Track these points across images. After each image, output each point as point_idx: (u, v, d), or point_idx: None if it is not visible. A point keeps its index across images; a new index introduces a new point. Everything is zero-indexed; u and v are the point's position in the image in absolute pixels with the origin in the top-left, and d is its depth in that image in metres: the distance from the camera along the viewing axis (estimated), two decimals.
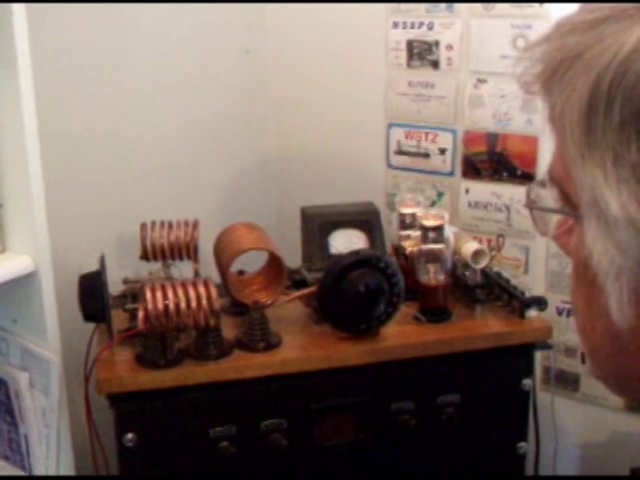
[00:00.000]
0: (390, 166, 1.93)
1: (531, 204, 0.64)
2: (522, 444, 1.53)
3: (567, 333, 1.75)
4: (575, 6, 0.57)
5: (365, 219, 1.67)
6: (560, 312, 1.75)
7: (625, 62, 0.49)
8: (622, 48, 0.50)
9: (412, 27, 1.83)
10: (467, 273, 1.57)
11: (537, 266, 1.78)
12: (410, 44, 1.84)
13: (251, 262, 1.57)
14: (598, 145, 0.51)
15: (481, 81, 1.77)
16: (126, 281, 1.51)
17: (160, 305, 1.30)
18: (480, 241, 1.69)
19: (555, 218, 0.62)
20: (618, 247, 0.52)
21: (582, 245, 0.55)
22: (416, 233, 1.51)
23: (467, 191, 1.83)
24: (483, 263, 1.53)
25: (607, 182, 0.51)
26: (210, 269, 1.56)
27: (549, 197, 0.60)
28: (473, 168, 1.82)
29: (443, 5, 1.78)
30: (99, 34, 1.70)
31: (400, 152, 1.91)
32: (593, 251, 0.54)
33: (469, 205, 1.84)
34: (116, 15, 1.71)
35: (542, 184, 0.61)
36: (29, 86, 1.25)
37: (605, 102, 0.50)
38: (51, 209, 1.33)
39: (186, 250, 1.55)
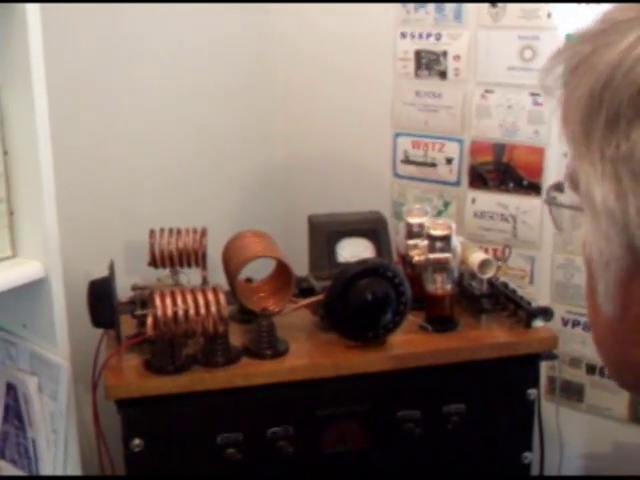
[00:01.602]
0: (397, 175, 1.94)
1: (550, 200, 0.67)
2: (527, 454, 1.53)
3: (572, 344, 1.75)
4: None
5: (372, 228, 1.68)
6: (565, 323, 1.75)
7: (614, 67, 0.54)
8: (613, 55, 0.54)
9: (420, 37, 1.84)
10: (473, 283, 1.57)
11: (542, 277, 1.78)
12: (418, 54, 1.85)
13: (259, 270, 1.58)
14: (591, 143, 0.55)
15: (488, 92, 1.78)
16: (135, 287, 1.51)
17: (169, 311, 1.31)
18: (486, 251, 1.70)
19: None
20: (604, 237, 0.55)
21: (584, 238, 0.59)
22: (423, 242, 1.52)
23: (473, 201, 1.84)
24: (490, 273, 1.54)
25: (595, 178, 0.55)
26: (218, 276, 1.57)
27: (568, 194, 0.63)
28: (480, 178, 1.83)
29: (451, 15, 1.79)
30: (110, 42, 1.71)
31: (407, 161, 1.92)
32: (587, 242, 0.58)
33: (475, 215, 1.85)
34: (125, 25, 1.72)
35: (563, 184, 0.64)
36: (42, 94, 1.26)
37: (597, 104, 0.54)
38: (61, 215, 1.34)
39: (194, 257, 1.56)
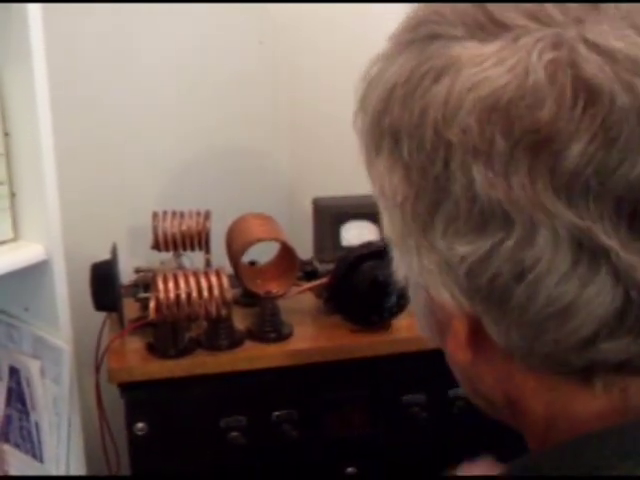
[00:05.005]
0: None
1: None
2: None
3: None
4: None
5: (377, 211, 1.65)
6: None
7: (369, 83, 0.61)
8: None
9: None
10: None
11: None
12: None
13: (263, 253, 1.57)
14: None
15: None
16: (138, 270, 1.50)
17: (172, 295, 1.30)
18: None
19: None
20: None
21: None
22: None
23: None
24: None
25: None
26: (222, 260, 1.56)
27: None
28: None
29: None
30: (112, 25, 1.70)
31: None
32: None
33: None
34: (128, 12, 1.71)
35: None
36: (43, 75, 1.25)
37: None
38: (64, 198, 1.33)
39: (198, 240, 1.55)
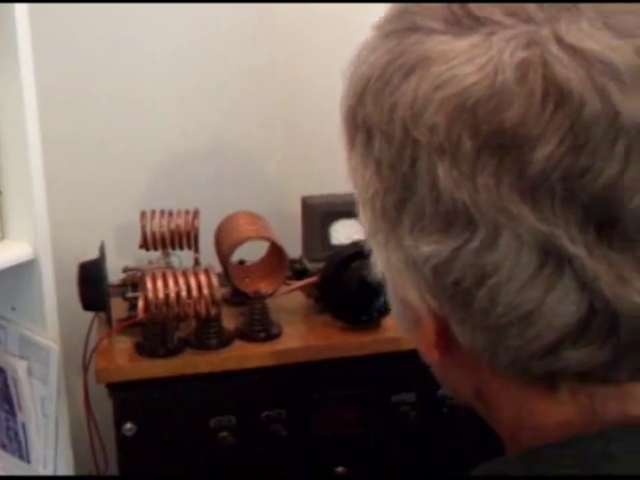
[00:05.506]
0: None
1: None
2: None
3: None
4: None
5: None
6: None
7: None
8: None
9: None
10: None
11: None
12: None
13: (252, 252, 1.56)
14: None
15: None
16: (126, 270, 1.49)
17: (161, 294, 1.29)
18: None
19: None
20: None
21: None
22: None
23: None
24: None
25: None
26: (211, 259, 1.55)
27: None
28: None
29: None
30: (106, 21, 1.69)
31: None
32: None
33: None
34: (123, 12, 1.70)
35: None
36: (30, 76, 1.24)
37: None
38: (51, 196, 1.32)
39: (187, 239, 1.54)
